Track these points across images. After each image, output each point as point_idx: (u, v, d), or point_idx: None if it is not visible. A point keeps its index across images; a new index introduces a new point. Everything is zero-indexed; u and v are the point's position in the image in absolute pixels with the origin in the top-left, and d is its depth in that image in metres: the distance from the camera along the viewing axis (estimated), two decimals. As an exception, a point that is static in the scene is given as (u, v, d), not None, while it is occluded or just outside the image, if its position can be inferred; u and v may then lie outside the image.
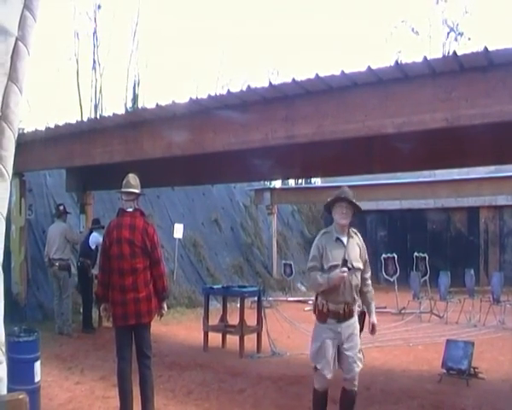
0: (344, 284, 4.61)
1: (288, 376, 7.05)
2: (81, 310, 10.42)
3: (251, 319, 8.69)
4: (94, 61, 22.67)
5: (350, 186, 5.07)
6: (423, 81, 5.25)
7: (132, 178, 5.36)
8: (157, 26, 36.36)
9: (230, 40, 45.81)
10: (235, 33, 43.00)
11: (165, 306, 5.41)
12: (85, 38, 23.11)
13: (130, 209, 5.29)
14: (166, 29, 39.07)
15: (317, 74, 5.59)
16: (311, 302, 15.23)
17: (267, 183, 18.72)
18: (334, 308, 4.65)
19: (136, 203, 5.36)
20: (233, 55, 43.10)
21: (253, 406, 5.94)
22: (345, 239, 4.82)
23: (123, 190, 5.31)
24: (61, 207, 10.22)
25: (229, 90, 6.57)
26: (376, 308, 14.07)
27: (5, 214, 1.48)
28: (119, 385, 5.19)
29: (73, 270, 10.49)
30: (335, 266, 4.59)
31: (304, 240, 22.26)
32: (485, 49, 4.64)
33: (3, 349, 1.42)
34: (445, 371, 6.94)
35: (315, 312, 4.85)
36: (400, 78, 5.33)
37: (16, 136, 1.52)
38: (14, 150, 1.51)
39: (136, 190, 5.34)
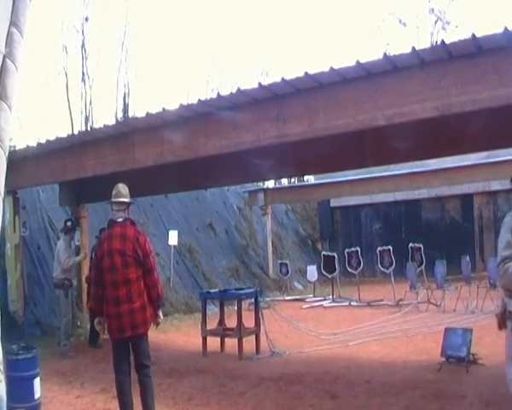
0: None
1: (288, 375, 7.03)
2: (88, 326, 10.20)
3: (249, 321, 8.66)
4: (83, 74, 22.68)
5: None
6: (412, 71, 5.24)
7: (122, 188, 5.29)
8: (145, 35, 36.42)
9: (219, 43, 45.98)
10: (223, 36, 43.15)
11: (160, 314, 5.30)
12: (74, 51, 23.13)
13: (121, 219, 5.20)
14: (154, 37, 39.23)
15: (306, 72, 5.57)
16: (308, 300, 15.31)
17: (260, 184, 18.72)
18: None
19: (126, 213, 5.28)
20: (222, 58, 43.23)
21: (254, 407, 5.91)
22: None
23: (113, 200, 5.23)
24: (68, 224, 9.42)
25: (219, 94, 6.54)
26: (374, 301, 14.21)
27: (-1, 233, 1.45)
28: (119, 398, 5.12)
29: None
30: None
31: (299, 238, 22.28)
32: (473, 35, 4.65)
33: (2, 368, 1.39)
34: (444, 359, 6.95)
35: (504, 322, 3.76)
36: (389, 70, 5.33)
37: (7, 153, 1.49)
38: (5, 168, 1.48)
39: (127, 200, 5.26)
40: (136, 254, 5.02)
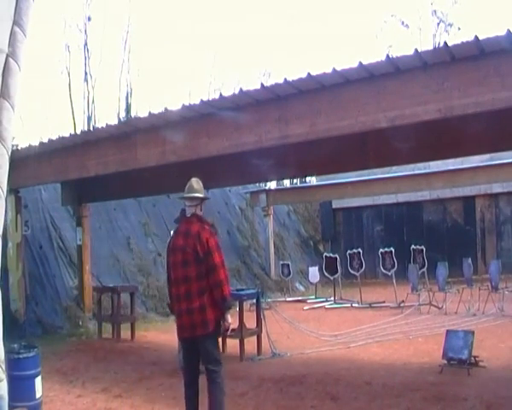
0: None
1: (289, 376, 7.02)
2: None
3: (250, 322, 8.65)
4: (86, 73, 22.67)
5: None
6: (415, 74, 5.25)
7: (195, 182, 5.06)
8: (148, 34, 36.47)
9: (222, 43, 45.99)
10: (225, 36, 43.11)
11: (228, 318, 4.81)
12: (76, 51, 23.14)
13: (189, 215, 4.99)
14: (156, 37, 39.26)
15: (308, 73, 5.58)
16: (309, 302, 15.30)
17: (262, 184, 18.72)
18: None
19: (199, 209, 4.99)
20: (224, 58, 43.28)
21: (254, 408, 5.90)
22: None
23: (184, 195, 5.03)
24: None
25: (221, 94, 6.54)
26: (375, 303, 14.16)
27: (1, 232, 1.45)
28: (184, 394, 5.10)
29: None
30: None
31: (301, 240, 22.26)
32: (476, 38, 4.65)
33: (3, 367, 1.40)
34: (445, 361, 6.93)
35: None
36: (392, 72, 5.33)
37: (10, 152, 1.49)
38: (8, 167, 1.49)
39: (199, 195, 5.00)
40: (195, 251, 4.74)
